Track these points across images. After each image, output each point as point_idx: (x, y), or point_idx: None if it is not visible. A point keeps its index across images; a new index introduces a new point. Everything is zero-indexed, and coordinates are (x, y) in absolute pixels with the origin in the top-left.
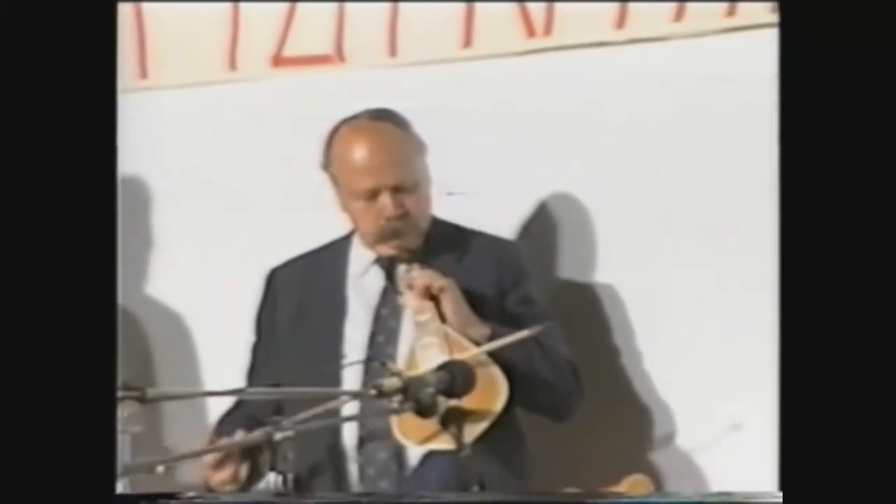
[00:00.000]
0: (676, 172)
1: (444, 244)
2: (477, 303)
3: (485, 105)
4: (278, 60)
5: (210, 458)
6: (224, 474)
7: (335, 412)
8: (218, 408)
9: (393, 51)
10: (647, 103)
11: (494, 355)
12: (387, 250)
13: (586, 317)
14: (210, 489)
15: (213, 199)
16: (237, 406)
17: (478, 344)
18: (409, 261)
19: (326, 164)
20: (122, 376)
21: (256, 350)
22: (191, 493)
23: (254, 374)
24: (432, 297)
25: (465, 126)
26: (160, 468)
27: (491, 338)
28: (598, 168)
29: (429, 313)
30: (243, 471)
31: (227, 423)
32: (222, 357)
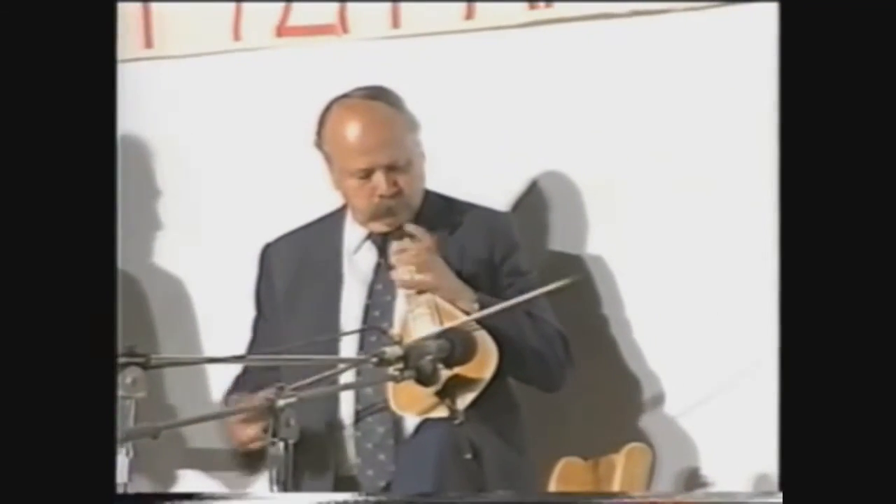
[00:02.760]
0: (674, 143)
1: (435, 217)
2: (468, 273)
3: (486, 77)
4: (282, 30)
5: (235, 417)
6: (251, 430)
7: (336, 382)
8: (218, 375)
9: (396, 22)
10: (647, 75)
11: (484, 326)
12: (380, 227)
13: (576, 287)
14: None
15: (217, 168)
16: (244, 373)
17: (468, 314)
18: (400, 237)
19: (319, 143)
20: (125, 342)
21: (257, 324)
22: (191, 493)
23: (254, 348)
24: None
25: (465, 98)
26: None
27: (481, 308)
28: (595, 140)
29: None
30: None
31: (238, 388)
32: (223, 324)
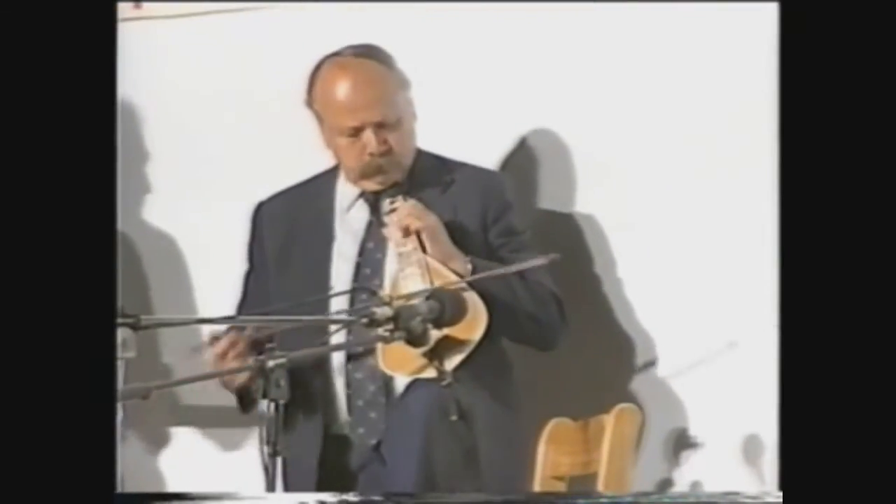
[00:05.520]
0: (662, 101)
1: (428, 176)
2: (461, 233)
3: (475, 34)
4: None
5: (218, 349)
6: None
7: (326, 341)
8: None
9: None
10: (633, 34)
11: (477, 287)
12: (371, 185)
13: (568, 247)
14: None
15: (209, 128)
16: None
17: (460, 276)
18: (393, 194)
19: (310, 101)
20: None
21: (248, 279)
22: (192, 493)
23: (245, 304)
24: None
25: (451, 59)
26: None
27: (472, 271)
28: (580, 100)
29: (410, 245)
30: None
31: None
32: (217, 284)
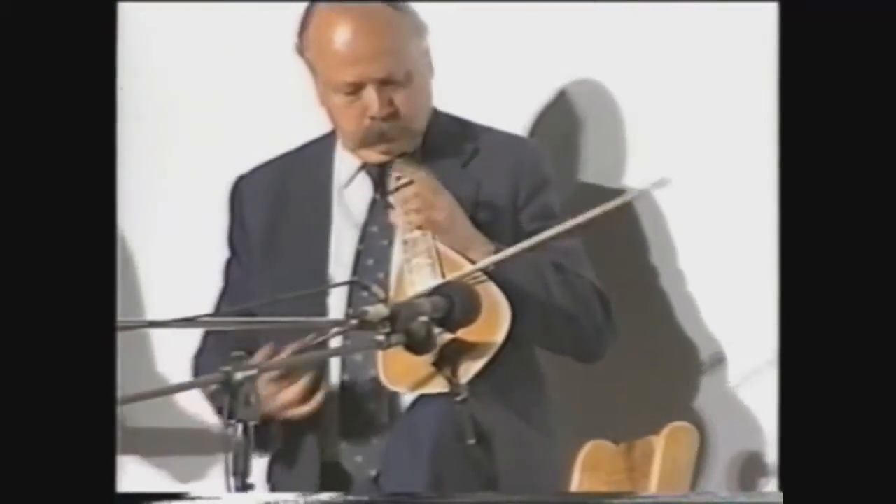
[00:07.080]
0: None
1: (446, 144)
2: (485, 215)
3: None
4: None
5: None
6: (289, 394)
7: (310, 348)
8: (162, 341)
9: None
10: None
11: (498, 282)
12: (374, 156)
13: (617, 231)
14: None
15: (170, 88)
16: (213, 333)
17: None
18: (401, 167)
19: (300, 48)
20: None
21: (229, 268)
22: (193, 494)
23: (228, 295)
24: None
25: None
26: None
27: None
28: (631, 43)
29: (418, 230)
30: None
31: (206, 353)
32: (171, 282)
